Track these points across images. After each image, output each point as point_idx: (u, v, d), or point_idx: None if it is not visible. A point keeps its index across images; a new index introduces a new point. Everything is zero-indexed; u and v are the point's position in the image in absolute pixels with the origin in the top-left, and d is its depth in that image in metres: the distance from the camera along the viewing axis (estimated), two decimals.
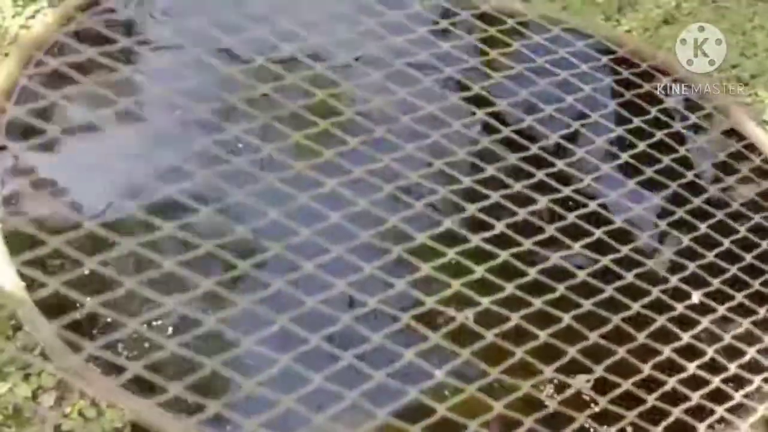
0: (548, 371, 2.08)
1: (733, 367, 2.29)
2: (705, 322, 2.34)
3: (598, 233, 2.36)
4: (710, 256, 2.47)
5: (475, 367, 2.03)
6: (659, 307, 2.31)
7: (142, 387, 1.80)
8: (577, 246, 2.31)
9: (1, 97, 2.44)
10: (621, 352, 2.16)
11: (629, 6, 3.38)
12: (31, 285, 1.99)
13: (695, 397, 2.18)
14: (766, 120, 3.02)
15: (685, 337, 2.28)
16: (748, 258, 2.52)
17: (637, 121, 2.71)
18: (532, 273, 2.19)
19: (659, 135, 2.71)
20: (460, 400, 1.96)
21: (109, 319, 2.04)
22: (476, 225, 2.24)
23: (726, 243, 2.52)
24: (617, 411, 2.09)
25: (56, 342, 1.94)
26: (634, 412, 2.10)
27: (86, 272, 1.95)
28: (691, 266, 2.44)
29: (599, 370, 2.12)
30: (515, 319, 2.08)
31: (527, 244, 2.25)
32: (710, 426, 2.18)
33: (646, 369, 2.17)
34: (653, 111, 2.77)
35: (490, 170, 2.36)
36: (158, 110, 2.48)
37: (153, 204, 2.00)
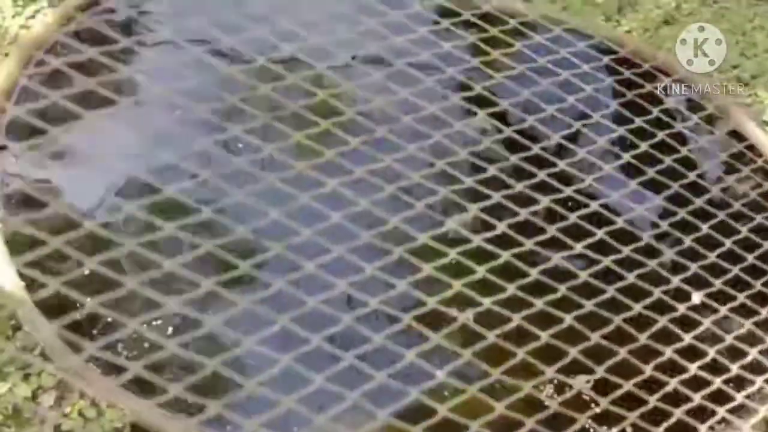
0: (550, 372, 2.07)
1: (734, 368, 2.28)
2: (707, 322, 2.34)
3: (600, 234, 2.35)
4: (712, 257, 2.47)
5: (476, 368, 2.03)
6: (661, 307, 2.31)
7: (142, 387, 1.79)
8: (578, 246, 2.30)
9: (1, 97, 2.43)
10: (622, 352, 2.15)
11: (629, 6, 3.37)
12: (32, 285, 1.99)
13: (697, 398, 2.18)
14: (766, 121, 3.02)
15: (687, 338, 2.28)
16: (750, 258, 2.52)
17: (638, 121, 2.71)
18: (534, 273, 2.19)
19: (661, 135, 2.71)
20: (461, 400, 1.96)
21: (109, 319, 2.03)
22: (478, 225, 2.24)
23: (728, 243, 2.52)
24: (618, 412, 2.08)
25: (56, 342, 1.93)
26: (636, 412, 2.09)
27: (86, 272, 1.94)
28: (693, 267, 2.44)
29: (601, 371, 2.11)
30: (517, 319, 2.08)
31: (529, 244, 2.24)
32: (711, 427, 2.17)
33: (648, 370, 2.16)
34: (654, 111, 2.77)
35: (491, 170, 2.36)
36: (158, 110, 2.47)
37: (153, 204, 1.99)
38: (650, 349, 2.21)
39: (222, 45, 2.52)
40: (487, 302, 2.09)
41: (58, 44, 2.61)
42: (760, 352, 2.35)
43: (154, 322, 2.12)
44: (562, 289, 2.19)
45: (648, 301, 2.29)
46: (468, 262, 2.15)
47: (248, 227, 1.96)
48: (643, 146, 2.64)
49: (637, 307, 2.26)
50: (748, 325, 2.39)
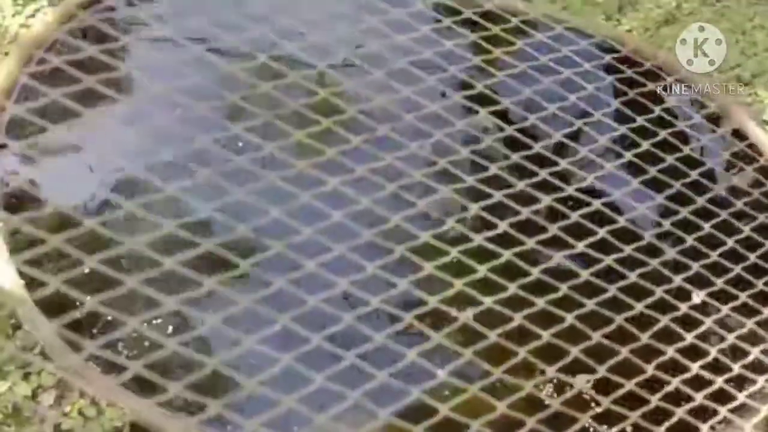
0: (551, 371, 2.07)
1: (736, 368, 2.28)
2: (709, 322, 2.33)
3: (602, 233, 2.35)
4: (714, 256, 2.47)
5: (477, 367, 2.02)
6: (663, 307, 2.30)
7: (142, 386, 1.79)
8: (580, 245, 2.30)
9: (1, 96, 2.43)
10: (624, 352, 2.15)
11: (630, 6, 3.37)
12: (31, 284, 1.98)
13: (698, 398, 2.17)
14: (766, 120, 3.01)
15: (689, 337, 2.27)
16: (752, 258, 2.51)
17: (640, 120, 2.70)
18: (535, 272, 2.18)
19: (663, 134, 2.70)
20: (462, 400, 1.95)
21: (109, 318, 2.02)
22: (479, 224, 2.23)
23: (730, 242, 2.51)
24: (620, 411, 2.08)
25: (56, 341, 1.93)
26: (638, 412, 2.09)
27: (86, 271, 1.93)
28: (695, 266, 2.43)
29: (602, 371, 2.11)
30: (518, 318, 2.07)
31: (530, 243, 2.24)
32: (713, 426, 2.17)
33: (650, 369, 2.16)
34: (656, 110, 2.76)
35: (493, 169, 2.35)
36: (159, 108, 2.46)
37: (153, 202, 1.98)
38: (652, 348, 2.20)
39: (222, 43, 2.51)
40: (488, 301, 2.08)
41: (58, 42, 2.61)
42: (762, 352, 2.35)
43: (154, 321, 2.12)
44: (564, 288, 2.19)
45: (650, 300, 2.29)
46: (469, 261, 2.15)
47: (249, 226, 1.95)
48: (645, 145, 2.63)
49: (639, 307, 2.26)
50: (750, 324, 2.38)
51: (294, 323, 1.85)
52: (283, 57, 2.40)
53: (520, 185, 2.35)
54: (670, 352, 2.21)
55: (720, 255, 2.48)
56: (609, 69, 2.91)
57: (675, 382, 2.17)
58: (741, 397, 2.24)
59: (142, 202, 1.96)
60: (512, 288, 2.12)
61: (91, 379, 1.91)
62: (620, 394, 2.10)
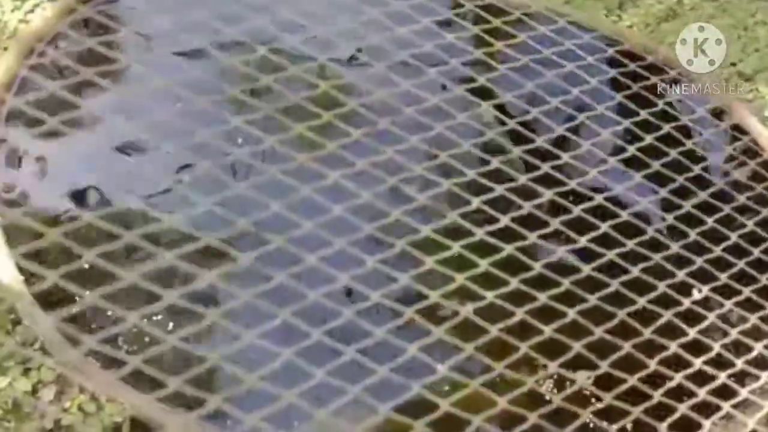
0: (553, 366, 2.06)
1: (740, 363, 2.27)
2: (712, 317, 2.32)
3: (604, 227, 2.33)
4: (717, 251, 2.45)
5: (478, 362, 2.01)
6: (665, 301, 2.29)
7: (142, 381, 1.78)
8: (582, 240, 2.29)
9: (0, 89, 2.42)
10: (627, 347, 2.14)
11: (630, 1, 3.35)
12: (31, 278, 1.97)
13: (701, 393, 2.16)
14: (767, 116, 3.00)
15: (692, 333, 2.26)
16: (756, 252, 2.50)
17: (643, 114, 2.69)
18: (537, 267, 2.17)
19: (666, 128, 2.69)
20: (463, 395, 1.94)
21: (108, 313, 2.01)
22: (481, 218, 2.22)
23: (733, 237, 2.50)
24: (622, 407, 2.07)
25: (55, 336, 1.92)
26: (640, 408, 2.08)
27: (85, 265, 1.92)
28: (699, 261, 2.42)
29: (605, 366, 2.10)
30: (520, 313, 2.06)
31: (532, 237, 2.22)
32: (715, 422, 2.16)
33: (652, 364, 2.15)
34: (660, 104, 2.75)
35: (494, 163, 2.34)
36: (159, 101, 2.45)
37: (153, 196, 1.98)
38: (654, 343, 2.19)
39: (223, 36, 2.50)
40: (489, 296, 2.07)
41: (58, 36, 2.60)
42: (766, 347, 2.34)
43: (154, 316, 2.11)
44: (566, 283, 2.17)
45: (653, 295, 2.27)
46: (471, 256, 2.13)
47: (249, 219, 1.94)
48: (648, 139, 2.62)
49: (642, 301, 2.25)
50: (753, 319, 2.37)
51: (294, 318, 1.84)
52: (284, 50, 2.38)
53: (522, 179, 2.33)
54: (673, 347, 2.20)
55: (723, 250, 2.46)
56: (613, 62, 2.90)
57: (678, 378, 2.16)
58: (744, 392, 2.23)
59: (140, 195, 1.95)
60: (514, 282, 2.11)
61: (91, 374, 1.91)
62: (622, 390, 2.09)
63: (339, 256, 1.99)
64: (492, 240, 2.17)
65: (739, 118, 2.93)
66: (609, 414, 2.08)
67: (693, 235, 2.47)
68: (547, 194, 2.36)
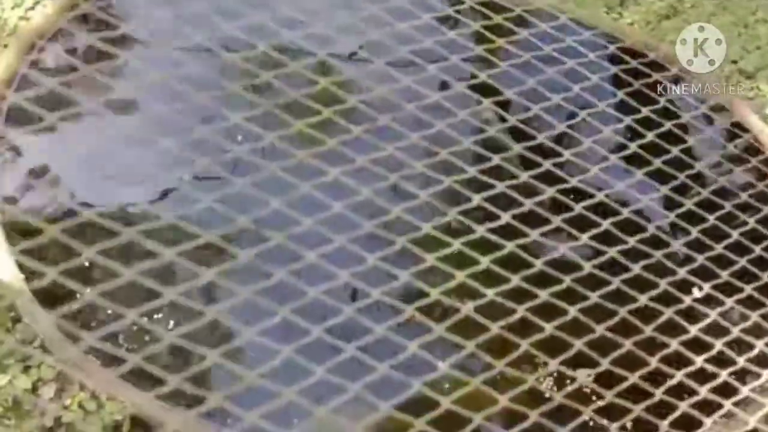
0: (554, 364, 2.05)
1: (741, 361, 2.26)
2: (713, 314, 2.31)
3: (605, 224, 2.33)
4: (719, 248, 2.45)
5: (479, 360, 2.01)
6: (667, 299, 2.29)
7: (142, 379, 1.77)
8: (583, 237, 2.28)
9: (1, 86, 2.41)
10: (628, 344, 2.13)
11: None
12: (31, 275, 1.97)
13: (702, 391, 2.16)
14: None
15: (693, 330, 2.25)
16: (757, 250, 2.49)
17: (645, 111, 2.68)
18: (538, 264, 2.17)
19: (667, 125, 2.68)
20: (464, 392, 1.94)
21: (108, 310, 2.01)
22: (481, 215, 2.21)
23: (734, 235, 2.49)
24: (624, 404, 2.06)
25: (55, 333, 1.92)
26: (641, 405, 2.07)
27: (85, 262, 1.92)
28: (700, 258, 2.41)
29: (606, 363, 2.09)
30: (521, 311, 2.06)
31: (533, 235, 2.22)
32: (717, 420, 2.15)
33: (653, 362, 2.14)
34: (661, 101, 2.75)
35: (495, 160, 2.33)
36: (159, 97, 2.45)
37: (152, 192, 1.97)
38: (656, 341, 2.19)
39: (223, 32, 2.49)
40: (490, 293, 2.07)
41: (59, 32, 2.59)
42: (767, 345, 2.33)
43: (153, 314, 2.10)
44: (567, 281, 2.17)
45: (654, 292, 2.27)
46: (472, 253, 2.13)
47: (249, 216, 1.94)
48: (650, 136, 2.61)
49: (643, 299, 2.24)
50: (754, 317, 2.36)
51: (294, 315, 1.84)
52: (284, 46, 2.38)
53: (524, 176, 2.33)
54: (674, 345, 2.20)
55: (725, 247, 2.46)
56: (614, 59, 2.89)
57: (679, 376, 2.15)
58: (745, 390, 2.22)
59: (140, 192, 1.95)
60: (515, 280, 2.11)
61: (91, 372, 1.90)
62: (623, 387, 2.08)
63: (339, 254, 1.99)
64: (493, 237, 2.16)
65: (740, 115, 2.93)
66: (610, 412, 2.08)
67: (694, 232, 2.46)
68: (549, 191, 2.36)
